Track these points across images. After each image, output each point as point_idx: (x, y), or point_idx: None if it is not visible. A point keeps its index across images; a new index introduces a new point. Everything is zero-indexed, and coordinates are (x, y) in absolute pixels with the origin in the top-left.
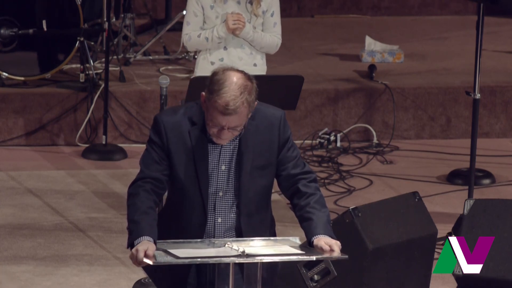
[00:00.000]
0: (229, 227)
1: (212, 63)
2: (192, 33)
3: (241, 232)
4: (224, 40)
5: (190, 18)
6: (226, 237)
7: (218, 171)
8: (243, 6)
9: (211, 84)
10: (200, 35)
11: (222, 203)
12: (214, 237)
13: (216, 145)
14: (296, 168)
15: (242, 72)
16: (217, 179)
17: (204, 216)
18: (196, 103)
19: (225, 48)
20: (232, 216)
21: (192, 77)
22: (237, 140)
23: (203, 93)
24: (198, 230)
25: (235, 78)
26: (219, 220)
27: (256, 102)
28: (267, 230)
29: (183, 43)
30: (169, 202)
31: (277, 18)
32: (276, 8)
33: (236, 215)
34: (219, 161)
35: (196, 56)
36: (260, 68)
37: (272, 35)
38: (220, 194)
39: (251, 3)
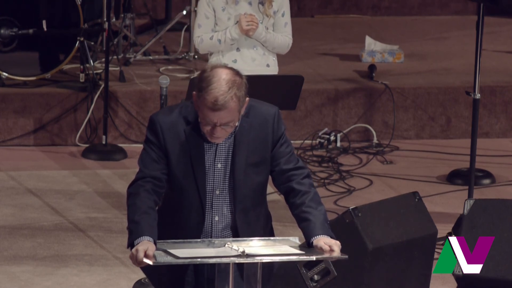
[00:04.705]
0: (225, 225)
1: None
2: (203, 35)
3: (236, 230)
4: (237, 41)
5: (201, 21)
6: (223, 235)
7: (214, 169)
8: (255, 7)
9: (200, 82)
10: (212, 37)
11: (218, 201)
12: (211, 236)
13: (212, 143)
14: (288, 164)
15: (230, 68)
16: (214, 177)
17: (202, 215)
18: (191, 102)
19: (238, 49)
20: (228, 214)
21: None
22: (232, 138)
23: (194, 92)
24: (196, 229)
25: (223, 74)
26: (216, 218)
27: (247, 98)
28: (263, 226)
29: (194, 46)
30: (166, 201)
31: (287, 18)
32: (286, 8)
33: (231, 212)
34: (215, 159)
35: (196, 56)
36: (272, 68)
37: (283, 35)
38: (217, 192)
39: (262, 3)
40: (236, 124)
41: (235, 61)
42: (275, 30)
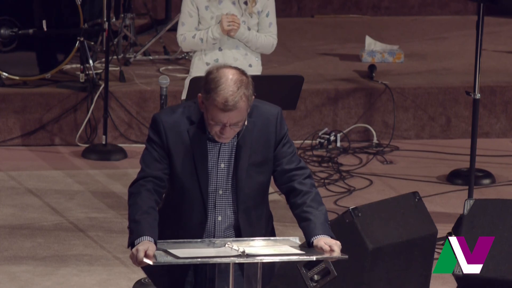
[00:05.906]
0: (228, 225)
1: (207, 64)
2: (186, 33)
3: (239, 229)
4: (219, 41)
5: (185, 19)
6: (226, 235)
7: (217, 169)
8: (238, 6)
9: (207, 83)
10: (195, 35)
11: (221, 201)
12: (214, 236)
13: (215, 143)
14: (290, 164)
15: (235, 68)
16: (217, 177)
17: (204, 215)
18: (194, 102)
19: (220, 49)
20: (231, 214)
21: (187, 77)
22: (235, 138)
23: (200, 94)
24: (198, 229)
25: (230, 75)
26: (219, 218)
27: (253, 97)
28: (265, 226)
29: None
30: (168, 201)
31: (272, 18)
32: (271, 8)
33: (234, 212)
34: (218, 159)
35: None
36: (255, 68)
37: (267, 35)
38: (220, 192)
39: (246, 3)
40: (245, 123)
41: (217, 60)
42: (260, 30)
